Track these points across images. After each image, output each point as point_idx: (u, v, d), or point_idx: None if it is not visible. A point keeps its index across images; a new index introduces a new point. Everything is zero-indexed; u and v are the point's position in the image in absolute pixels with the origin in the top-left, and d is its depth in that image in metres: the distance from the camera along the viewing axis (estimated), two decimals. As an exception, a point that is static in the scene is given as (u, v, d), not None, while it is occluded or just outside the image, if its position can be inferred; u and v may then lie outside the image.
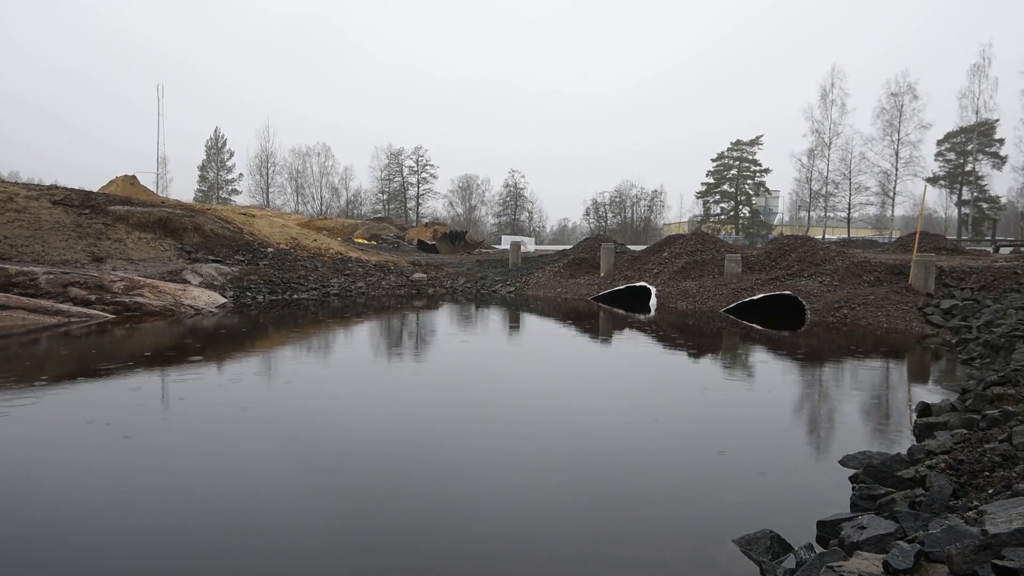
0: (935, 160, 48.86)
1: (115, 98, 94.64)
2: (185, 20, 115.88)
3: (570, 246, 28.84)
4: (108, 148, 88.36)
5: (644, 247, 24.63)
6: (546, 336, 11.76)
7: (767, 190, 61.62)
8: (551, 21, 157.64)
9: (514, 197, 74.26)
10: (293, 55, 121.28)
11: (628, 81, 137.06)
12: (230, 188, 69.57)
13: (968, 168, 45.57)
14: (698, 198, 64.66)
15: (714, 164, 62.58)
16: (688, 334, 12.18)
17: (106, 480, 4.30)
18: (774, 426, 5.95)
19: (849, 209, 46.34)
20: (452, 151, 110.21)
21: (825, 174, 46.53)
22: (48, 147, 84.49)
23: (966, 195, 46.03)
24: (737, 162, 61.26)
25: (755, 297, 14.89)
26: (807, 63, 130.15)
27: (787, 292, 14.64)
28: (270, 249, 18.75)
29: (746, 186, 61.39)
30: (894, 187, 43.17)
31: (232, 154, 69.22)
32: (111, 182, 33.36)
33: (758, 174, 60.95)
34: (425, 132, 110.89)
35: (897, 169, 42.79)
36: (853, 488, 4.16)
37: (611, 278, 18.87)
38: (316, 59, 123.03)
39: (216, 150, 68.68)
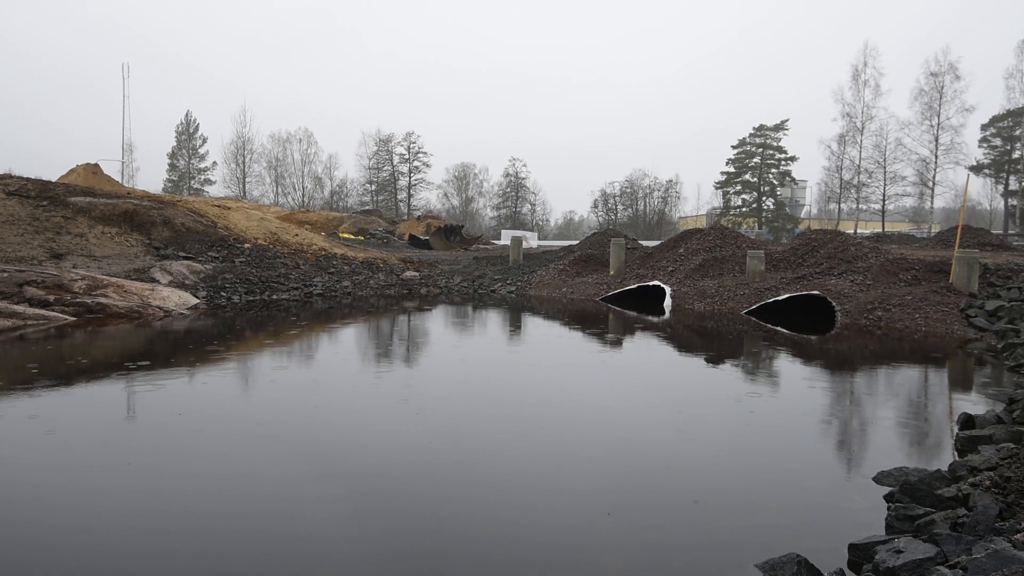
0: (979, 147, 48.94)
1: (75, 81, 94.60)
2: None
3: (576, 241, 28.87)
4: (67, 136, 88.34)
5: (658, 243, 24.66)
6: (559, 344, 11.73)
7: (793, 180, 61.64)
8: (559, 10, 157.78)
9: (515, 188, 74.28)
10: (275, 41, 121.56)
11: (643, 74, 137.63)
12: (203, 178, 69.66)
13: (1016, 155, 45.58)
14: (717, 189, 64.76)
15: (735, 151, 62.60)
16: (708, 339, 12.18)
17: (114, 504, 4.27)
18: (801, 439, 5.95)
19: (884, 201, 46.37)
20: (449, 143, 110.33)
21: (857, 162, 46.57)
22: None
23: (1013, 185, 46.06)
24: (760, 149, 61.28)
25: (780, 298, 14.89)
26: (836, 47, 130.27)
27: (815, 292, 14.64)
28: (247, 245, 18.76)
29: (770, 176, 61.42)
30: (933, 176, 43.13)
31: (205, 140, 69.33)
32: (71, 171, 33.33)
33: (783, 162, 61.00)
34: (420, 124, 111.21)
35: (937, 157, 42.74)
36: (888, 508, 4.16)
37: (621, 276, 18.87)
38: (302, 45, 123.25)
39: (187, 136, 68.73)
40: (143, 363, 8.51)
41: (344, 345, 11.15)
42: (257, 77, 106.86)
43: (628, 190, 74.17)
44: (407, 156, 71.15)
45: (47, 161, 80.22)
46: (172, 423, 6.01)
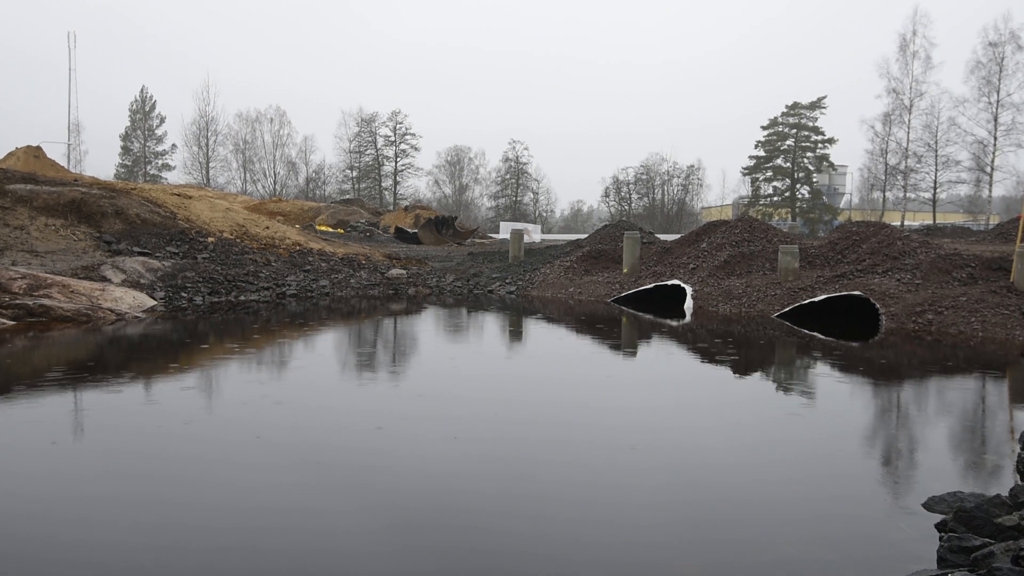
0: (1044, 127, 48.77)
1: (13, 56, 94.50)
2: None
3: (585, 235, 28.92)
4: (5, 116, 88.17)
5: (677, 236, 24.68)
6: (575, 355, 11.69)
7: (831, 165, 61.74)
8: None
9: (515, 174, 74.42)
10: (245, 16, 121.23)
11: (664, 56, 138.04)
12: (160, 163, 69.83)
13: (1086, 137, 45.48)
14: (745, 175, 64.83)
15: (765, 133, 62.67)
16: (737, 347, 12.18)
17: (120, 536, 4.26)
18: (842, 460, 5.94)
19: (935, 188, 46.37)
20: (443, 132, 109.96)
21: (904, 145, 46.59)
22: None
23: (1082, 171, 45.98)
24: (794, 130, 61.36)
25: (816, 299, 14.89)
26: (880, 20, 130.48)
27: (856, 293, 14.65)
28: (211, 239, 18.77)
29: (805, 160, 61.51)
30: (992, 160, 43.11)
31: (163, 120, 69.49)
32: (10, 155, 33.46)
33: (820, 145, 61.09)
34: (411, 111, 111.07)
35: (996, 138, 42.73)
36: (941, 538, 4.15)
37: (636, 275, 18.88)
38: (277, 22, 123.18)
39: (143, 115, 68.82)
40: (104, 374, 8.50)
41: (333, 355, 11.14)
42: (224, 55, 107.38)
43: (644, 177, 74.25)
44: (393, 138, 71.28)
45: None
46: (164, 449, 5.98)
